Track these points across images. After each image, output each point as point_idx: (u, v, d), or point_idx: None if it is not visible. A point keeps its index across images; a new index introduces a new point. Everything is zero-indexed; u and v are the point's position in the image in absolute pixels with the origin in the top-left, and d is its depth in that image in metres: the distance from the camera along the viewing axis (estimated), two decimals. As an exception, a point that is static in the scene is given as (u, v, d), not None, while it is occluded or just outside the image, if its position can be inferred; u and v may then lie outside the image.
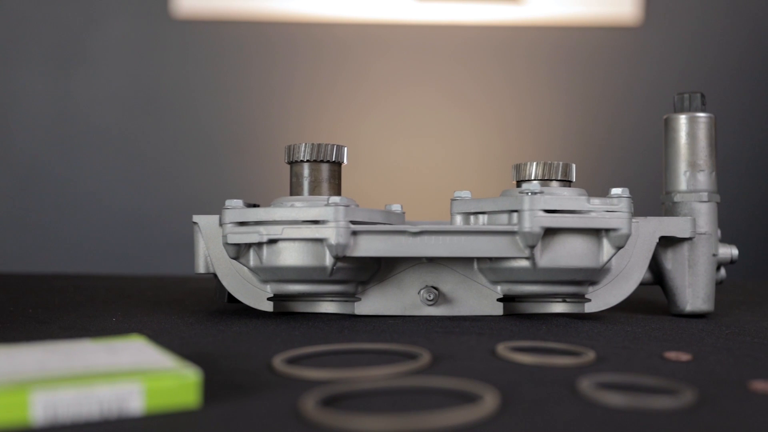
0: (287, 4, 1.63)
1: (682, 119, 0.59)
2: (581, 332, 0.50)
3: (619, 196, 0.52)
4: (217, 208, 1.63)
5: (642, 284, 0.59)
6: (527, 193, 0.51)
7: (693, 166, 0.59)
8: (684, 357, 0.43)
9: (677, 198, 0.59)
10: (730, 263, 0.60)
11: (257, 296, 0.56)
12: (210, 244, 0.56)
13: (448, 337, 0.48)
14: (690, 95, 0.60)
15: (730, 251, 0.60)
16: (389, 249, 0.52)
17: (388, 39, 1.68)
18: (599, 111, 1.69)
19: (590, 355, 0.41)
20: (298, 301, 0.57)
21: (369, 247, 0.52)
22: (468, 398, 0.33)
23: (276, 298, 0.56)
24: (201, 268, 0.57)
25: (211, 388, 0.35)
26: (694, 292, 0.58)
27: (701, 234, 0.58)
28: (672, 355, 0.43)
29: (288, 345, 0.45)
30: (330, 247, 0.51)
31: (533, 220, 0.51)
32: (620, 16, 1.66)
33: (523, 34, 1.68)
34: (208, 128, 1.66)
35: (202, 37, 1.66)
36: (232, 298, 0.58)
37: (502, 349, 0.42)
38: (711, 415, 0.32)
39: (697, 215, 0.58)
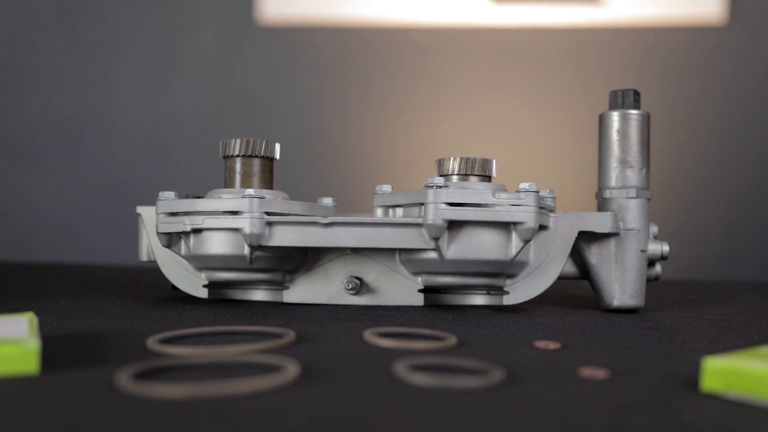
0: (367, 10, 1.65)
1: (615, 116, 0.60)
2: (483, 322, 0.52)
3: (526, 191, 0.54)
4: None
5: (568, 279, 0.60)
6: (432, 186, 0.53)
7: (623, 162, 0.59)
8: (552, 346, 0.44)
9: (607, 194, 0.60)
10: (661, 259, 0.60)
11: (194, 283, 0.59)
12: (151, 233, 0.60)
13: (342, 323, 0.50)
14: (623, 92, 0.60)
15: (660, 247, 0.60)
16: (302, 239, 0.54)
17: (465, 42, 1.67)
18: (678, 113, 1.64)
19: (452, 341, 0.43)
20: (230, 288, 0.60)
21: (283, 237, 0.54)
22: (275, 370, 0.35)
23: (210, 286, 0.59)
24: (144, 257, 0.61)
25: (65, 360, 0.38)
26: (622, 287, 0.59)
27: (629, 230, 0.59)
28: (541, 344, 0.44)
29: (190, 327, 0.48)
30: (245, 236, 0.54)
31: (436, 213, 0.52)
32: (704, 15, 1.60)
33: (602, 36, 1.65)
34: (289, 132, 1.70)
35: (285, 43, 1.70)
36: (176, 286, 0.62)
37: (369, 334, 0.44)
38: (509, 394, 0.33)
39: (626, 211, 0.59)
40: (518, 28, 1.66)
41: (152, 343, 0.41)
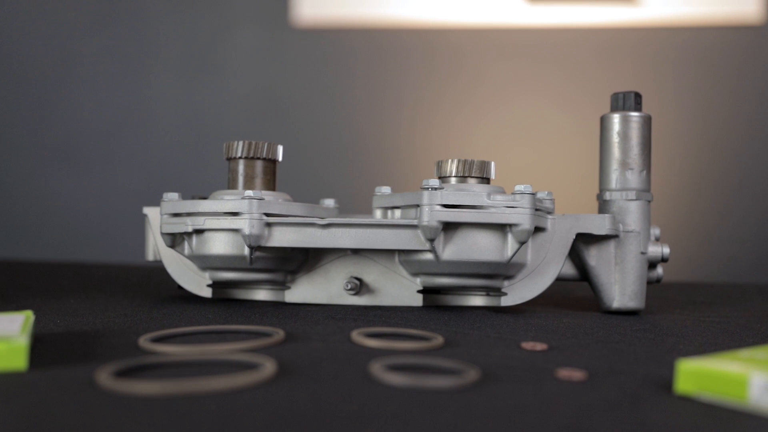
0: (402, 11, 1.66)
1: (615, 118, 0.60)
2: (477, 323, 0.52)
3: (521, 193, 0.54)
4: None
5: (567, 280, 0.60)
6: (427, 188, 0.53)
7: (623, 164, 0.59)
8: (539, 347, 0.44)
9: (607, 196, 0.60)
10: (661, 261, 0.60)
11: (198, 283, 0.60)
12: (156, 233, 0.61)
13: (335, 323, 0.50)
14: (624, 95, 0.60)
15: (660, 249, 0.60)
16: (301, 240, 0.55)
17: (500, 43, 1.67)
18: (713, 112, 1.62)
19: (438, 341, 0.43)
20: (233, 288, 0.61)
21: (282, 238, 0.55)
22: (252, 368, 0.36)
23: (214, 285, 0.60)
24: (150, 256, 0.62)
25: (56, 358, 0.39)
26: (622, 289, 0.59)
27: (629, 232, 0.59)
28: (528, 345, 0.45)
29: (188, 326, 0.49)
30: (244, 237, 0.55)
31: (431, 215, 0.53)
32: (741, 14, 1.58)
33: (639, 36, 1.63)
34: (325, 133, 1.71)
35: (321, 44, 1.71)
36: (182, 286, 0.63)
37: (356, 334, 0.44)
38: (478, 394, 0.33)
39: (626, 213, 0.59)
40: (553, 29, 1.65)
41: (144, 341, 0.42)
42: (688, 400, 0.34)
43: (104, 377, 0.33)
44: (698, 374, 0.35)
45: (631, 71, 1.64)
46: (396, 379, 0.35)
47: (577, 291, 0.73)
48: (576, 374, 0.37)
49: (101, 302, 0.60)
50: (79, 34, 1.73)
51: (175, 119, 1.73)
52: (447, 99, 1.68)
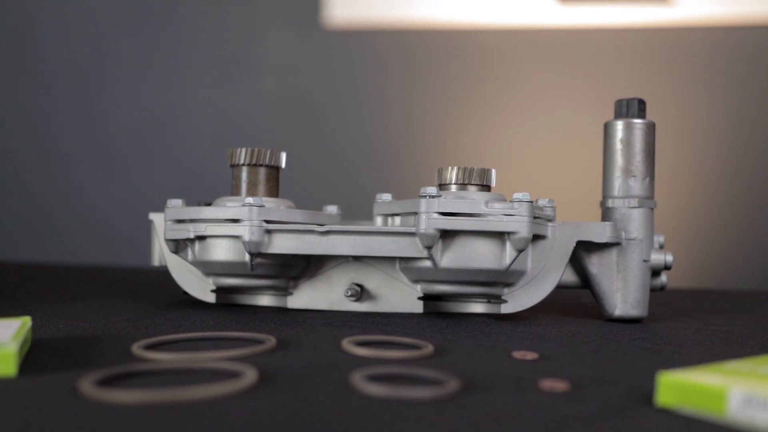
0: (432, 12, 1.66)
1: (619, 125, 0.60)
2: (473, 330, 0.52)
3: (519, 201, 0.54)
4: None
5: (569, 288, 0.60)
6: (425, 196, 0.53)
7: (626, 171, 0.59)
8: (530, 356, 0.44)
9: (609, 203, 0.60)
10: (664, 269, 0.60)
11: (202, 288, 0.61)
12: (161, 239, 0.62)
13: (330, 330, 0.51)
14: (627, 101, 0.60)
15: (663, 257, 0.60)
16: (300, 247, 0.56)
17: (530, 44, 1.66)
18: (745, 113, 1.60)
19: (428, 350, 0.44)
20: (237, 294, 0.61)
21: (282, 244, 0.56)
22: (233, 377, 0.36)
23: (218, 291, 0.60)
24: (156, 262, 0.63)
25: (48, 364, 0.40)
26: (624, 297, 0.58)
27: (631, 239, 0.58)
28: (519, 354, 0.45)
29: (186, 332, 0.49)
30: (244, 243, 0.55)
31: (428, 222, 0.53)
32: None
33: (671, 36, 1.61)
34: (352, 136, 1.72)
35: (351, 46, 1.72)
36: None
37: (346, 342, 0.45)
38: (455, 405, 0.34)
39: (628, 221, 0.59)
40: (584, 29, 1.64)
41: (136, 348, 0.43)
42: (667, 413, 0.34)
43: (86, 386, 0.34)
44: (679, 387, 0.34)
45: (663, 72, 1.62)
46: (375, 390, 0.35)
47: (582, 298, 0.73)
48: (559, 385, 0.37)
49: (107, 307, 0.60)
50: (111, 36, 1.75)
51: (203, 122, 1.74)
52: (477, 102, 1.67)
